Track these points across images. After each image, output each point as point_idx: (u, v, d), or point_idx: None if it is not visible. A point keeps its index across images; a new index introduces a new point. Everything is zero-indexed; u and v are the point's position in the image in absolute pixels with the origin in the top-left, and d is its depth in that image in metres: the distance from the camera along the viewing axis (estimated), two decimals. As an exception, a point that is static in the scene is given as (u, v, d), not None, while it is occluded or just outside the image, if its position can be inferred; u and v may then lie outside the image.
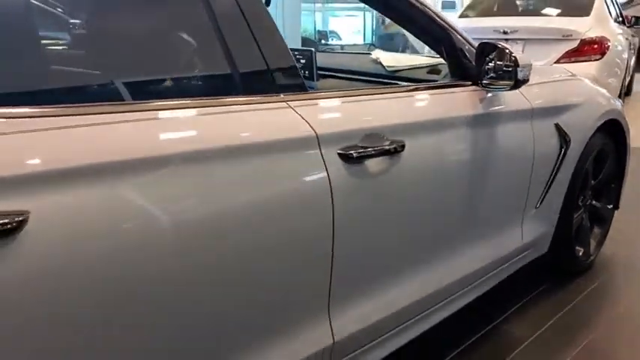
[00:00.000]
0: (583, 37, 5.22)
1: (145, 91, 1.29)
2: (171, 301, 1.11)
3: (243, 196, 1.22)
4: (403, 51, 8.34)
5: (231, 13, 1.30)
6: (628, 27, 6.99)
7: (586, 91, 2.57)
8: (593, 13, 5.52)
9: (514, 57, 1.78)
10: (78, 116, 1.03)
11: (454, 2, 12.24)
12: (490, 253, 2.02)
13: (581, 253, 2.67)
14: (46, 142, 0.98)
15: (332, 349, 1.49)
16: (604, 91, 2.69)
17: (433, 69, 2.26)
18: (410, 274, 1.69)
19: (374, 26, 10.60)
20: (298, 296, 1.40)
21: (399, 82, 2.08)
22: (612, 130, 2.63)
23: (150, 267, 1.06)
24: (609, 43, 5.32)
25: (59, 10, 1.29)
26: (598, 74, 5.10)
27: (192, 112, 1.20)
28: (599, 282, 2.67)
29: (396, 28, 10.96)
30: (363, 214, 1.48)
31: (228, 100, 1.29)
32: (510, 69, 1.77)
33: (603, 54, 5.28)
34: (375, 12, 10.85)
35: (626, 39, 6.39)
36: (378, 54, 2.37)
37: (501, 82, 1.81)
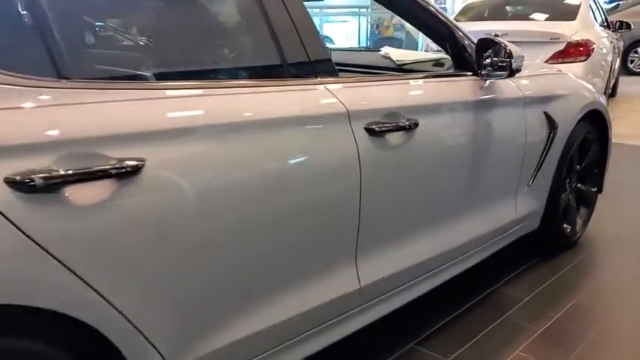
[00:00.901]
0: (569, 40, 5.55)
1: (229, 74, 1.61)
2: (245, 231, 1.40)
3: (292, 158, 1.51)
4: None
5: (282, 17, 1.59)
6: (613, 31, 7.34)
7: (571, 84, 2.87)
8: (578, 17, 5.85)
9: (509, 50, 2.08)
10: (186, 89, 1.35)
11: (445, 8, 12.62)
12: (489, 222, 2.31)
13: (568, 231, 2.97)
14: (157, 107, 1.27)
15: (358, 292, 1.77)
16: (588, 85, 3.00)
17: (437, 62, 2.56)
18: (422, 234, 1.98)
19: (368, 32, 10.93)
20: (332, 247, 1.68)
21: (404, 73, 2.37)
22: (595, 120, 2.94)
23: (233, 204, 1.35)
24: (594, 46, 5.66)
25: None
26: (583, 75, 5.41)
27: (258, 90, 1.50)
28: (584, 256, 2.97)
29: (389, 33, 11.30)
30: (384, 179, 1.76)
31: (282, 81, 1.58)
32: (506, 60, 2.07)
33: (588, 55, 5.61)
34: (368, 18, 11.19)
35: (611, 42, 6.73)
36: (388, 50, 2.67)
37: (498, 71, 2.11)
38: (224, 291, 1.41)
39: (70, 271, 1.10)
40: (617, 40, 7.75)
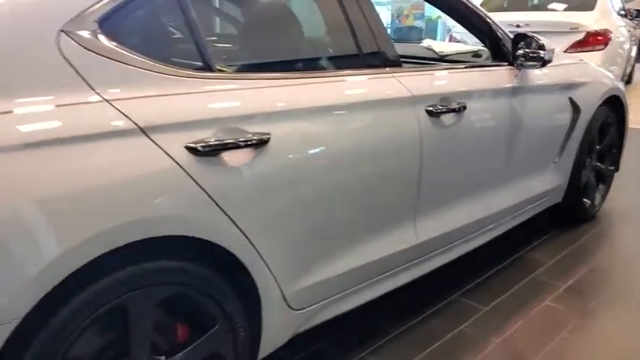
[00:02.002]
0: (588, 30, 5.85)
1: (324, 66, 2.00)
2: (339, 190, 1.79)
3: (369, 135, 1.88)
4: (420, 40, 9.00)
5: (359, 19, 1.95)
6: (630, 19, 7.61)
7: (592, 72, 3.21)
8: (597, 7, 6.15)
9: (542, 43, 2.43)
10: (301, 79, 1.73)
11: None
12: (521, 193, 2.68)
13: (588, 205, 3.33)
14: (277, 92, 1.64)
15: (416, 247, 2.14)
16: (608, 73, 3.34)
17: (475, 54, 2.91)
18: (467, 201, 2.35)
19: (389, 20, 11.22)
20: (399, 207, 2.06)
21: (449, 64, 2.73)
22: (614, 105, 3.28)
23: (329, 168, 1.73)
24: (612, 35, 5.96)
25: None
26: (601, 63, 5.71)
27: (346, 78, 1.87)
28: (601, 227, 3.33)
29: (409, 22, 11.57)
30: (439, 153, 2.13)
31: (362, 71, 1.95)
32: (538, 52, 2.42)
33: (606, 44, 5.91)
34: (390, 7, 11.48)
35: (628, 31, 7.01)
36: (429, 42, 3.02)
37: (532, 62, 2.46)
38: (323, 236, 1.79)
39: (222, 211, 1.47)
40: (634, 28, 8.02)
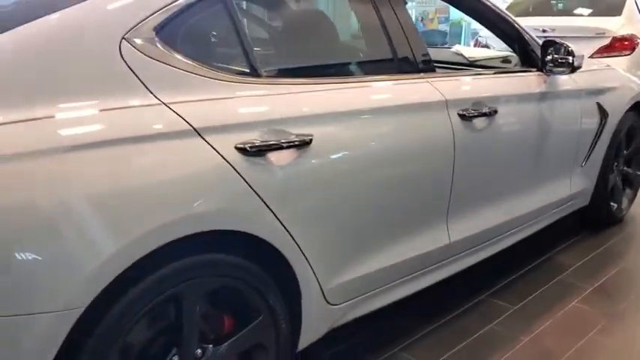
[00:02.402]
0: (615, 35, 5.85)
1: (363, 71, 2.09)
2: (376, 188, 1.87)
3: (405, 137, 1.95)
4: (443, 43, 9.04)
5: (395, 25, 2.03)
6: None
7: (620, 77, 3.25)
8: (624, 13, 6.13)
9: (571, 49, 2.48)
10: (340, 83, 1.82)
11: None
12: (549, 196, 2.73)
13: (614, 208, 3.36)
14: (318, 96, 1.73)
15: (448, 247, 2.21)
16: (635, 78, 3.37)
17: (504, 59, 2.96)
18: (497, 203, 2.41)
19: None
20: (431, 208, 2.12)
21: (479, 69, 2.79)
22: (640, 110, 3.31)
23: (368, 167, 1.82)
24: (639, 40, 5.94)
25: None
26: (627, 68, 5.69)
27: (379, 83, 1.94)
28: (628, 231, 3.36)
29: (433, 25, 11.61)
30: (471, 155, 2.19)
31: (395, 76, 2.02)
32: (569, 58, 2.47)
33: (633, 50, 5.90)
34: (414, 10, 11.51)
35: (655, 36, 6.97)
36: (459, 48, 3.09)
37: (561, 68, 2.51)
38: (360, 234, 1.86)
39: (268, 207, 1.56)
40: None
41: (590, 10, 6.62)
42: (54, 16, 1.39)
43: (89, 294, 1.25)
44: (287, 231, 1.62)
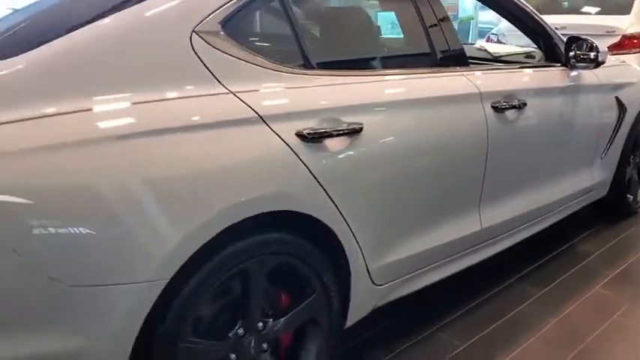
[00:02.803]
0: (624, 33, 5.95)
1: (406, 65, 2.18)
2: (418, 175, 1.98)
3: (444, 126, 2.06)
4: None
5: (434, 22, 2.14)
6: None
7: (636, 73, 3.36)
8: (633, 11, 6.24)
9: (595, 45, 2.59)
10: (386, 76, 1.94)
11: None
12: (572, 185, 2.84)
13: (630, 200, 3.46)
14: (368, 87, 1.84)
15: (480, 233, 2.32)
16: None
17: (528, 55, 3.07)
18: (526, 191, 2.52)
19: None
20: (464, 195, 2.23)
21: (506, 64, 2.89)
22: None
23: (411, 155, 1.92)
24: (647, 38, 6.05)
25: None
26: (637, 66, 5.81)
27: (421, 76, 2.06)
28: (643, 220, 3.48)
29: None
30: (503, 145, 2.29)
31: (434, 70, 2.13)
32: (594, 54, 2.58)
33: (642, 48, 6.00)
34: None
35: (662, 35, 7.08)
36: (482, 44, 3.19)
37: (585, 63, 2.62)
38: (403, 218, 1.97)
39: (324, 190, 1.67)
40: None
41: (598, 9, 6.73)
42: (132, 10, 1.50)
43: (173, 267, 1.36)
44: (340, 213, 1.73)
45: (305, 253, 1.68)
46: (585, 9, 6.86)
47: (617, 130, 3.10)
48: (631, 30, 5.95)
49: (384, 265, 1.95)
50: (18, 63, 1.34)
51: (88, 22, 1.47)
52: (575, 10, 7.02)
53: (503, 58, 3.03)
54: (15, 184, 1.19)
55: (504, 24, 6.85)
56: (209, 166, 1.44)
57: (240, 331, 1.60)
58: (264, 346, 1.67)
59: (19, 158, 1.20)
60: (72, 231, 1.23)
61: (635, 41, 6.01)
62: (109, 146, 1.31)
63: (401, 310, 2.31)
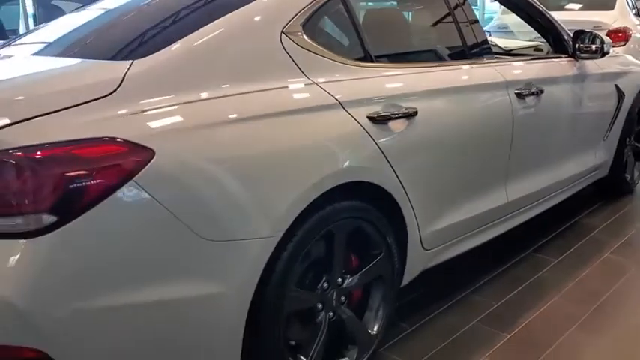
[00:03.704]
0: (610, 28, 6.34)
1: (445, 57, 2.50)
2: (458, 154, 2.28)
3: (480, 110, 2.37)
4: None
5: (465, 20, 2.45)
6: (643, 18, 8.10)
7: (631, 63, 3.70)
8: (616, 7, 6.64)
9: (601, 37, 2.92)
10: (433, 67, 2.27)
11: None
12: (580, 165, 3.17)
13: (628, 179, 3.81)
14: (420, 77, 2.14)
15: (506, 206, 2.63)
16: (640, 64, 3.83)
17: (536, 48, 3.40)
18: (544, 169, 2.84)
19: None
20: (494, 172, 2.54)
21: (521, 56, 3.21)
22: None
23: (452, 136, 2.22)
24: (631, 32, 6.45)
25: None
26: (624, 57, 6.20)
27: (459, 67, 2.36)
28: (638, 197, 3.82)
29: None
30: (525, 128, 2.61)
31: (468, 62, 2.44)
32: (601, 45, 2.91)
33: (626, 41, 6.40)
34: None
35: (643, 28, 7.50)
36: (493, 39, 3.52)
37: (592, 53, 2.95)
38: (449, 190, 2.28)
39: (390, 164, 1.96)
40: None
41: (580, 5, 7.12)
42: (231, 16, 1.78)
43: (284, 225, 1.64)
44: (401, 184, 2.02)
45: (374, 218, 1.97)
46: (569, 5, 7.24)
47: (617, 115, 3.44)
48: (616, 25, 6.34)
49: (432, 232, 2.25)
50: (166, 57, 1.61)
51: (199, 24, 1.75)
52: (560, 7, 7.39)
53: (515, 52, 3.35)
54: (182, 154, 1.47)
55: (492, 23, 7.25)
56: (308, 143, 1.72)
57: (325, 284, 1.88)
58: (342, 298, 1.95)
59: (189, 133, 1.49)
60: (217, 194, 1.51)
61: (621, 35, 6.41)
62: (244, 126, 1.60)
63: (433, 279, 2.60)
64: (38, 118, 1.39)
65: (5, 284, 1.33)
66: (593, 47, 2.94)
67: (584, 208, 3.61)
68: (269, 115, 1.66)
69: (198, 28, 1.71)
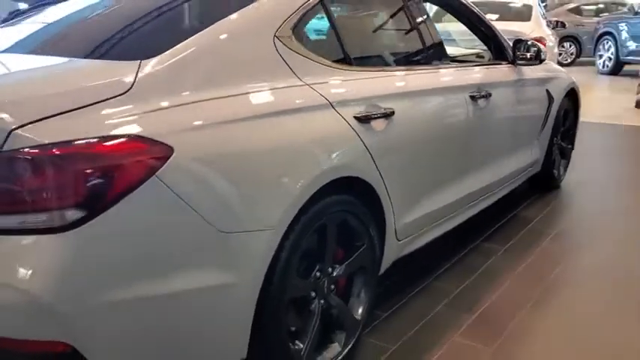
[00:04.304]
0: (529, 37, 6.85)
1: (419, 61, 2.69)
2: (435, 149, 2.48)
3: (444, 111, 2.58)
4: None
5: (426, 30, 2.67)
6: (552, 29, 8.79)
7: (557, 69, 4.08)
8: (532, 18, 7.20)
9: (538, 46, 3.22)
10: (400, 70, 2.44)
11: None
12: (522, 160, 3.48)
13: (556, 175, 4.18)
14: (395, 80, 2.31)
15: (464, 198, 2.85)
16: (565, 70, 4.22)
17: (478, 55, 3.68)
18: (492, 164, 3.10)
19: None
20: (456, 165, 2.76)
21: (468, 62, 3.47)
22: (571, 96, 4.16)
23: (428, 132, 2.43)
24: (546, 41, 7.00)
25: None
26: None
27: (422, 72, 2.57)
28: (567, 191, 4.21)
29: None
30: (477, 126, 2.86)
31: (431, 67, 2.66)
32: (538, 53, 3.22)
33: (542, 49, 6.94)
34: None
35: (554, 38, 8.15)
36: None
37: (531, 60, 3.25)
38: (421, 184, 2.47)
39: (373, 160, 2.11)
40: (554, 36, 9.23)
41: (497, 15, 7.64)
42: (228, 21, 1.88)
43: (289, 217, 1.76)
44: (382, 179, 2.18)
45: (359, 211, 2.12)
46: (487, 16, 7.73)
47: (547, 116, 3.79)
48: (534, 34, 6.86)
49: (404, 224, 2.42)
50: (171, 58, 1.68)
51: (198, 26, 1.83)
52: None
53: (460, 58, 3.62)
54: (197, 150, 1.55)
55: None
56: (310, 139, 1.85)
57: (318, 274, 2.01)
58: (332, 287, 2.08)
59: (202, 130, 1.58)
60: (231, 188, 1.61)
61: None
62: (254, 123, 1.71)
63: (398, 269, 2.79)
64: (58, 116, 1.43)
65: (32, 280, 1.37)
66: (530, 55, 3.24)
67: (521, 201, 3.93)
68: (275, 114, 1.77)
69: (197, 32, 1.79)
